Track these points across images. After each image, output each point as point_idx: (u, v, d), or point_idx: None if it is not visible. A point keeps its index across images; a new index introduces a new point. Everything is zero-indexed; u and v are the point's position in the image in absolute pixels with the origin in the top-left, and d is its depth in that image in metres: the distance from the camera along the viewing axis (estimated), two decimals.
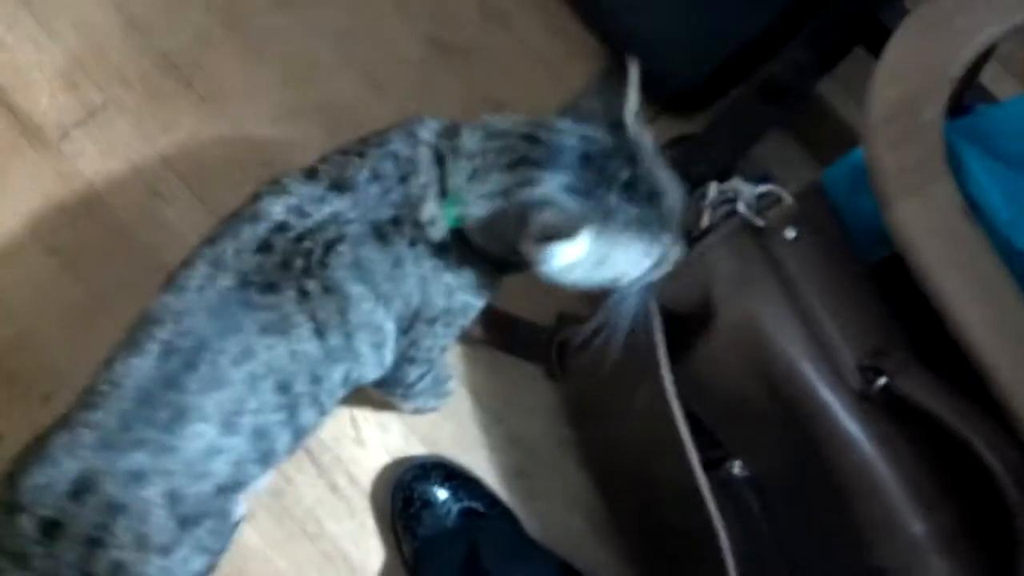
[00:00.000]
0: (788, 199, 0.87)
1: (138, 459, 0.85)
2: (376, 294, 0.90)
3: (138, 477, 0.85)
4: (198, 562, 0.91)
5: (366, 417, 1.19)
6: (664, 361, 0.88)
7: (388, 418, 1.18)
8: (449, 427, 1.19)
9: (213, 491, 0.88)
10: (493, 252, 0.92)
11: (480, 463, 1.18)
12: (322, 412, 0.94)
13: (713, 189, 0.92)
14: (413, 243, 0.90)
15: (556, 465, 1.18)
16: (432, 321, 0.94)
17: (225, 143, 1.26)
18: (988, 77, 1.18)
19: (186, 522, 0.87)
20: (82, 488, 0.84)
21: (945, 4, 0.87)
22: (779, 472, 0.90)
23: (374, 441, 1.18)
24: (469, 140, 0.90)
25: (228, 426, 0.87)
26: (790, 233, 0.86)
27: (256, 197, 0.91)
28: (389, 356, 0.95)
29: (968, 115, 0.94)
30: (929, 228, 0.77)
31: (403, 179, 0.90)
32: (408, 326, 0.94)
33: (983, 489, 0.78)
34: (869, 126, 0.82)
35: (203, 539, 0.90)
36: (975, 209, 0.78)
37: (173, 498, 0.86)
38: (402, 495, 1.12)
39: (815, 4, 1.24)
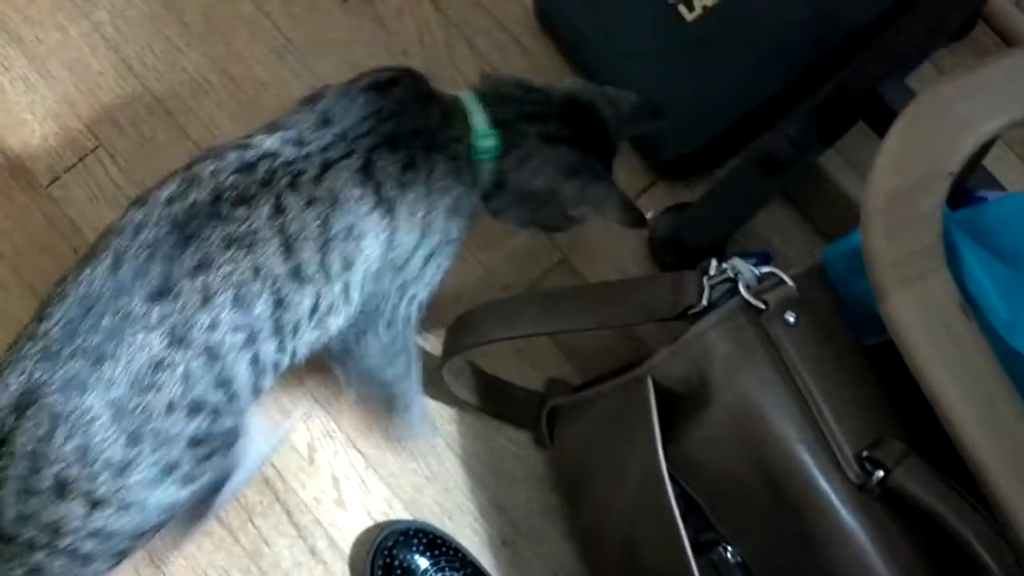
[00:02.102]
0: (789, 283, 0.91)
1: (77, 367, 0.87)
2: (379, 197, 0.95)
3: (77, 385, 0.87)
4: (173, 491, 0.93)
5: (348, 476, 1.22)
6: (658, 439, 0.92)
7: (371, 479, 1.22)
8: (433, 491, 1.22)
9: (166, 408, 0.89)
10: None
11: (463, 530, 1.21)
12: (282, 348, 0.95)
13: (714, 267, 0.96)
14: (429, 149, 0.98)
15: (541, 534, 1.21)
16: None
17: None
18: (993, 157, 1.23)
19: (139, 439, 0.89)
20: (24, 401, 0.87)
21: (945, 94, 0.91)
22: (771, 559, 0.93)
23: (355, 503, 1.21)
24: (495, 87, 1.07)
25: (176, 340, 0.89)
26: (790, 317, 0.90)
27: (247, 136, 0.97)
28: (355, 292, 0.98)
29: (969, 205, 0.98)
30: (924, 322, 0.81)
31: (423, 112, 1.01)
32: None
33: None
34: (867, 215, 0.86)
35: (174, 456, 0.91)
36: (971, 305, 0.82)
37: (118, 410, 0.88)
38: (382, 561, 1.15)
39: (817, 76, 1.30)
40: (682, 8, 1.32)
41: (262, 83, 1.34)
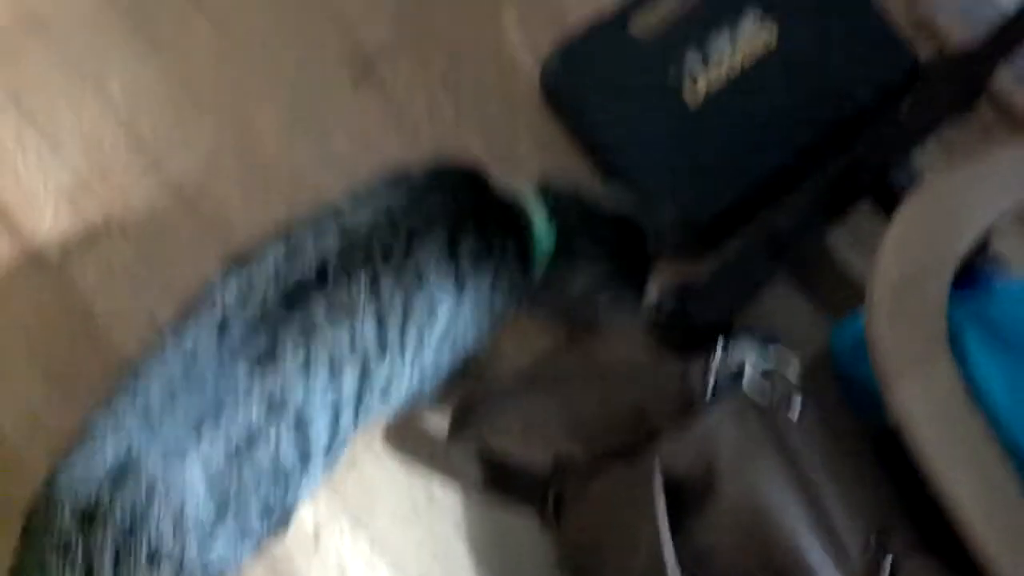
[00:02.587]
0: (795, 370, 0.92)
1: (178, 435, 0.88)
2: (456, 275, 0.99)
3: (177, 454, 0.88)
4: (244, 545, 0.94)
5: (355, 557, 1.22)
6: (664, 529, 0.92)
7: (377, 560, 1.21)
8: (440, 572, 1.22)
9: (254, 477, 0.91)
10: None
11: None
12: (356, 419, 0.98)
13: (719, 352, 0.97)
14: (503, 235, 1.04)
15: None
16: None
17: None
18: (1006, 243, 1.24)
19: (226, 507, 0.90)
20: (122, 471, 0.88)
21: (954, 181, 0.93)
22: None
23: None
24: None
25: (273, 407, 0.90)
26: (796, 406, 0.90)
27: (335, 201, 1.02)
28: (420, 363, 1.01)
29: (974, 286, 0.99)
30: (928, 412, 0.82)
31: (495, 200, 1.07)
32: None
33: None
34: (871, 303, 0.87)
35: (250, 522, 0.93)
36: (977, 395, 0.83)
37: (212, 479, 0.89)
38: None
39: (824, 152, 1.31)
40: (686, 89, 1.33)
41: (275, 161, 1.36)
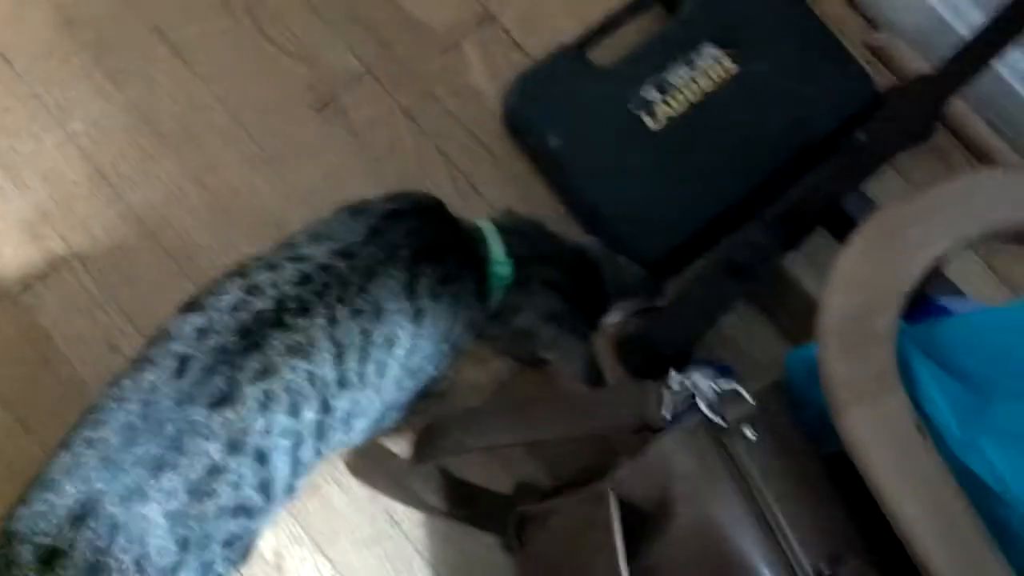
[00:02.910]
0: (749, 398, 0.92)
1: (138, 475, 0.89)
2: (414, 308, 1.01)
3: (137, 494, 0.88)
4: None
5: None
6: (621, 557, 0.92)
7: None
8: None
9: (216, 513, 0.92)
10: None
11: None
12: (317, 450, 0.99)
13: (675, 381, 0.97)
14: (460, 267, 1.06)
15: None
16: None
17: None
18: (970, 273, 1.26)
19: (188, 544, 0.90)
20: (82, 511, 0.88)
21: (900, 215, 0.93)
22: None
23: None
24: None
25: (233, 445, 0.91)
26: (750, 433, 0.91)
27: (293, 237, 1.03)
28: (381, 395, 1.03)
29: (928, 313, 1.00)
30: (879, 441, 0.83)
31: (455, 234, 1.09)
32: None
33: None
34: (821, 335, 0.88)
35: (212, 555, 0.93)
36: (927, 423, 0.84)
37: (174, 518, 0.89)
38: None
39: (783, 180, 1.32)
40: (646, 118, 1.35)
41: (236, 192, 1.36)
